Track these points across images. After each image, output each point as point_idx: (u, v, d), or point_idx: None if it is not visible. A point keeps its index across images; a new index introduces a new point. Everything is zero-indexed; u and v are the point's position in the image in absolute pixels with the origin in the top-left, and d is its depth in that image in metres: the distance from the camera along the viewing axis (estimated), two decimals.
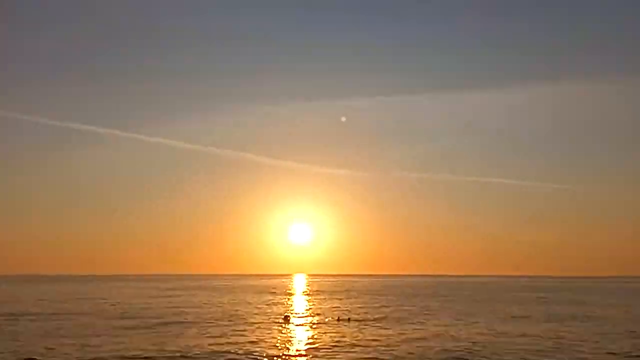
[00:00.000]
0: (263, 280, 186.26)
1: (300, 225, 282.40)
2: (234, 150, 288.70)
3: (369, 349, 24.93)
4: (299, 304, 57.82)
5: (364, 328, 33.17)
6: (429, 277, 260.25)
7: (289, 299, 67.30)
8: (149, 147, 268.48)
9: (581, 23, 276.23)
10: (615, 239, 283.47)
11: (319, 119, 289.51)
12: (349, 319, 38.01)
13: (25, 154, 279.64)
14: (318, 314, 43.07)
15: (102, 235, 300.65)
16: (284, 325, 35.03)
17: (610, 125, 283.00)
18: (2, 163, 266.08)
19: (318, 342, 27.03)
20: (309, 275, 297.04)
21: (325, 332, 31.20)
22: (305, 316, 41.75)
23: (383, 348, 25.05)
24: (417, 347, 25.32)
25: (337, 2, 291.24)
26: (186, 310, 46.87)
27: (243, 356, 23.18)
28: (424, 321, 37.09)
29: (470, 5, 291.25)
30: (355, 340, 27.72)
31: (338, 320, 37.88)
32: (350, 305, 53.67)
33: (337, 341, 27.35)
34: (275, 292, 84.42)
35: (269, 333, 30.74)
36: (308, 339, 28.66)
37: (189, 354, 23.34)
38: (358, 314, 42.67)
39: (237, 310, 46.42)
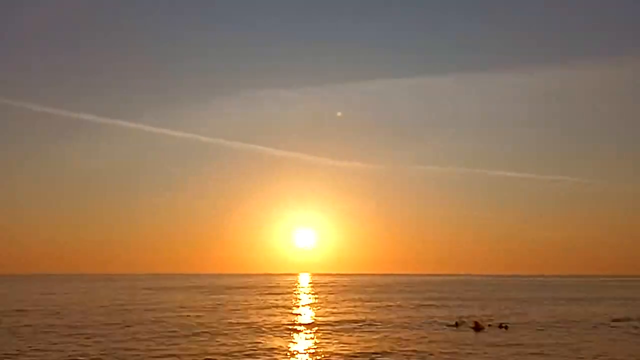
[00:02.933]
0: (288, 278, 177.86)
1: (308, 220, 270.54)
2: (240, 141, 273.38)
3: None
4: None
5: None
6: (454, 276, 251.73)
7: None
8: (151, 138, 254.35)
9: None
10: None
11: (332, 105, 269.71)
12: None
13: (21, 143, 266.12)
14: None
15: (103, 232, 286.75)
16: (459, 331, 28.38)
17: None
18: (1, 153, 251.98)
19: None
20: (313, 274, 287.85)
21: None
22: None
23: None
24: None
25: None
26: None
27: None
28: None
29: None
30: None
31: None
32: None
33: None
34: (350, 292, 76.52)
35: None
36: None
37: None
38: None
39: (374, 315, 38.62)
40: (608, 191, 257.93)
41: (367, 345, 25.18)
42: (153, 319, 35.47)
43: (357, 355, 22.78)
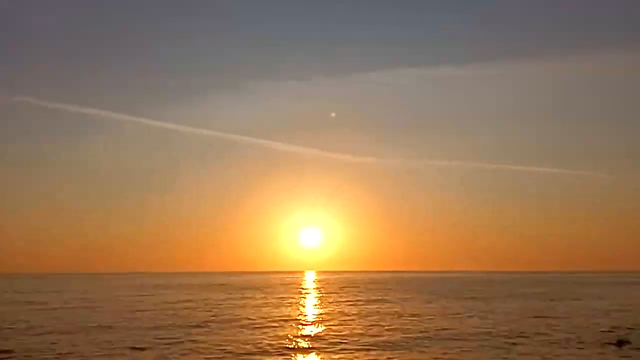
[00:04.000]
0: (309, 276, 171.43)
1: (314, 218, 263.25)
2: (246, 135, 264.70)
3: None
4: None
5: None
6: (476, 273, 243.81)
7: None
8: (155, 133, 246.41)
9: None
10: None
11: (341, 97, 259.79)
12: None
13: (30, 140, 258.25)
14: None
15: (109, 230, 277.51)
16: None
17: None
18: (9, 149, 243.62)
19: None
20: (318, 272, 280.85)
21: None
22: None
23: None
24: None
25: None
26: None
27: None
28: None
29: None
30: None
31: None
32: None
33: None
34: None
35: None
36: None
37: None
38: None
39: None
40: (632, 186, 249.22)
41: None
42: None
43: None
